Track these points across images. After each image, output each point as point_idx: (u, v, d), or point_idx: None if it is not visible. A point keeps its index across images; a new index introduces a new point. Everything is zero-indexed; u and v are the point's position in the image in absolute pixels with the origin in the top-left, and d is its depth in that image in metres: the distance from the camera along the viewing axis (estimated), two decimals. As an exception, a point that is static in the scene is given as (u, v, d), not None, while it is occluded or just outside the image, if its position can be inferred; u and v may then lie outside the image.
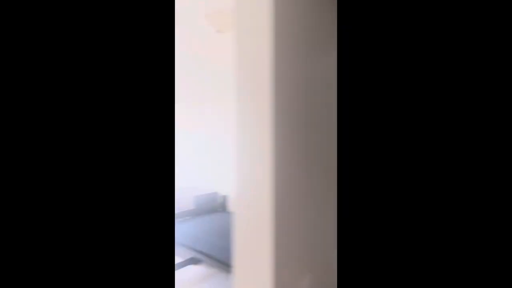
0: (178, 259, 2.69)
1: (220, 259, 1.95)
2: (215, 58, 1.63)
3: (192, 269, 2.59)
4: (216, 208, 2.84)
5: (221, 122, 3.12)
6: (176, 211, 2.74)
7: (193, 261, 2.60)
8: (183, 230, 2.27)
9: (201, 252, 2.11)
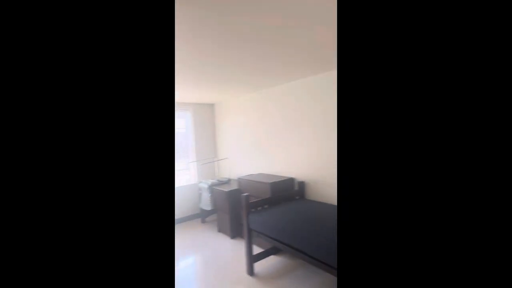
0: (258, 249, 2.60)
1: (303, 250, 1.72)
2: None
3: (273, 260, 2.46)
4: (294, 195, 2.60)
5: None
6: (252, 200, 2.62)
7: (273, 251, 2.47)
8: (261, 219, 2.12)
9: (281, 242, 1.92)
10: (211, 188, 3.34)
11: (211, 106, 4.17)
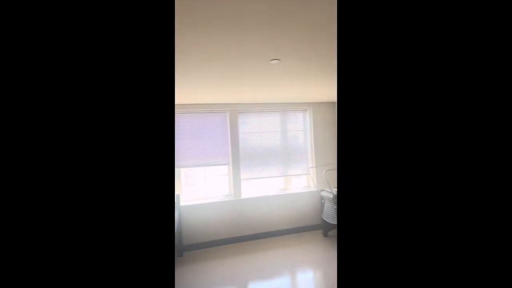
0: None
1: None
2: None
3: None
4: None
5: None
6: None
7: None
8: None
9: None
10: (337, 199, 2.88)
11: (333, 104, 3.71)
